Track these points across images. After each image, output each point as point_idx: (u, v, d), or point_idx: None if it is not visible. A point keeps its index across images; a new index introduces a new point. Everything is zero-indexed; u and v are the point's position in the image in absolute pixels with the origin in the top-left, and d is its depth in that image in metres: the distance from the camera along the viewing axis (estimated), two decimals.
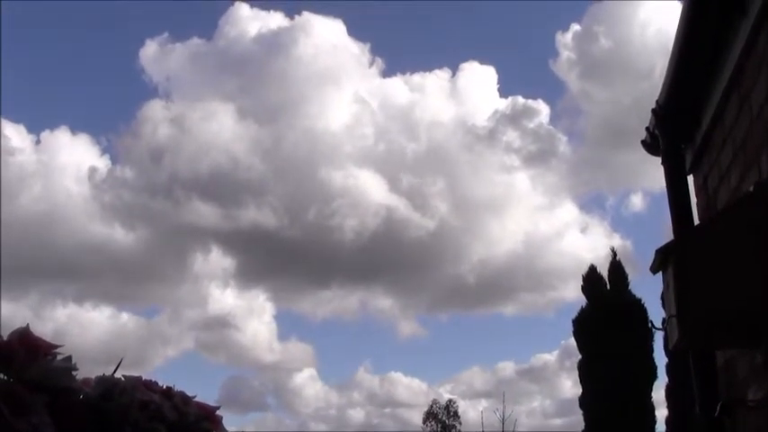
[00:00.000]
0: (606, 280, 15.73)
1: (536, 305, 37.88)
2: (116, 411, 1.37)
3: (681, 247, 2.95)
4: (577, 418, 16.24)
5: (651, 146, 4.42)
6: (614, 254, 16.07)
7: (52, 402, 1.22)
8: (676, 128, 4.22)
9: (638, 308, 15.22)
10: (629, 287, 15.60)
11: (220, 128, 32.14)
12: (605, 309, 15.11)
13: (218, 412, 1.87)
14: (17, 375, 1.22)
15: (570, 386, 30.79)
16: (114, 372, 1.49)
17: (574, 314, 15.77)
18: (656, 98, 4.22)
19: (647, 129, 4.36)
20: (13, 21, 34.52)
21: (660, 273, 2.96)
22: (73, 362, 1.34)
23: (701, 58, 3.76)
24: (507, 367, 35.99)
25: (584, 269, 16.19)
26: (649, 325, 12.66)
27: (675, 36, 3.77)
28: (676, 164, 4.26)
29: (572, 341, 15.86)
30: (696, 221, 4.19)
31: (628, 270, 15.78)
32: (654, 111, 4.21)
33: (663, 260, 2.81)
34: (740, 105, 3.51)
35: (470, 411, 30.37)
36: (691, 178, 4.47)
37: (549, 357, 36.37)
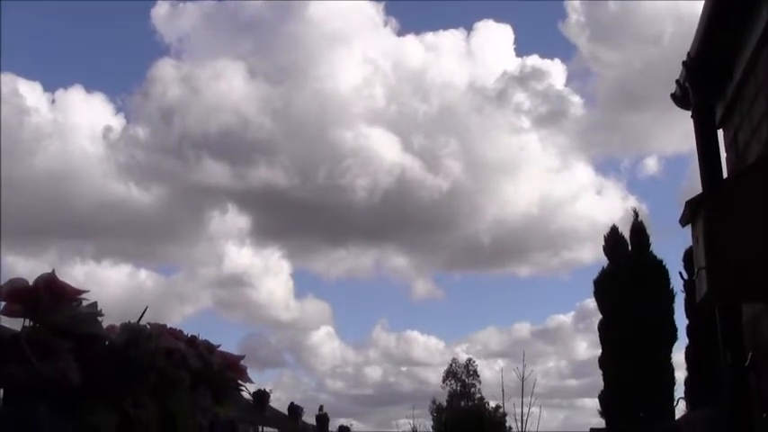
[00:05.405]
0: (627, 240, 15.61)
1: (551, 266, 37.59)
2: (141, 358, 1.35)
3: (711, 200, 2.89)
4: (593, 380, 16.25)
5: (681, 99, 4.32)
6: (636, 215, 15.93)
7: (78, 348, 1.20)
8: (707, 80, 4.12)
9: (659, 269, 15.11)
10: (651, 248, 15.50)
11: (231, 87, 31.82)
12: (627, 269, 15.01)
13: (241, 362, 1.86)
14: (43, 320, 1.20)
15: (586, 347, 30.79)
16: (139, 320, 1.47)
17: (590, 275, 15.69)
18: (688, 51, 4.12)
19: (678, 81, 4.25)
20: None
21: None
22: (98, 308, 1.32)
23: (734, 8, 3.65)
24: (523, 328, 35.92)
25: (600, 231, 16.08)
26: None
27: None
28: (707, 117, 4.17)
29: (588, 302, 15.87)
30: (725, 176, 4.11)
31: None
32: (684, 63, 4.10)
33: (693, 213, 2.75)
34: None
35: (486, 371, 30.49)
36: (720, 133, 4.37)
37: (565, 319, 36.28)
